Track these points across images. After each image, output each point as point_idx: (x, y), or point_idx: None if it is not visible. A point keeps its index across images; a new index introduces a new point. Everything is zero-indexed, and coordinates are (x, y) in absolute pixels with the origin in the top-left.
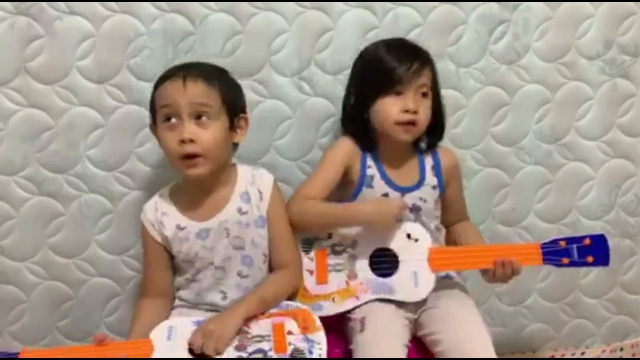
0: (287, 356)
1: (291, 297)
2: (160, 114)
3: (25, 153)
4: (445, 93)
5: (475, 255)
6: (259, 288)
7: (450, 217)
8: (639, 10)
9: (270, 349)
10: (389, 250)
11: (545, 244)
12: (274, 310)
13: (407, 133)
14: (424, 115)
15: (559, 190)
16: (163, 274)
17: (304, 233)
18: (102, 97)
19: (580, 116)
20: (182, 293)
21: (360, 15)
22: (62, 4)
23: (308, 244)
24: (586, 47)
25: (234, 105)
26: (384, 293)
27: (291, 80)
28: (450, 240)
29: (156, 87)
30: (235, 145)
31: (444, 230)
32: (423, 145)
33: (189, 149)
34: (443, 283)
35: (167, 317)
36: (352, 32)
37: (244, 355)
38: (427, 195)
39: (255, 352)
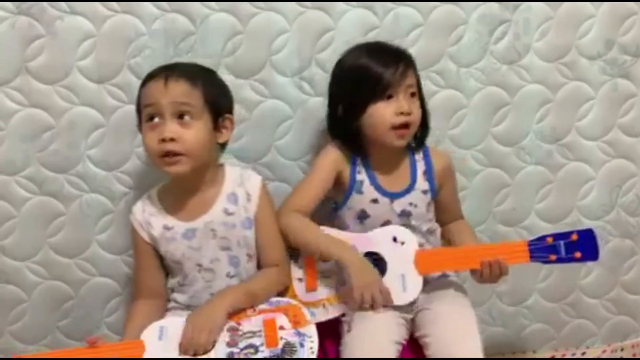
0: (279, 350)
1: None
2: (144, 114)
3: (26, 153)
4: (446, 93)
5: (462, 256)
6: (246, 281)
7: (445, 216)
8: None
9: (262, 344)
10: (376, 254)
11: (532, 241)
12: (265, 307)
13: (401, 138)
14: (416, 115)
15: (559, 191)
16: (154, 274)
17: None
18: (102, 97)
19: (581, 116)
20: (176, 296)
21: (361, 15)
22: (63, 4)
23: (297, 251)
24: (587, 47)
25: (217, 105)
26: None
27: (292, 80)
28: (445, 240)
29: (141, 87)
30: (223, 146)
31: (439, 230)
32: (412, 144)
33: (169, 147)
34: (439, 283)
35: (160, 318)
36: (353, 32)
37: (236, 351)
38: (417, 200)
39: (246, 347)
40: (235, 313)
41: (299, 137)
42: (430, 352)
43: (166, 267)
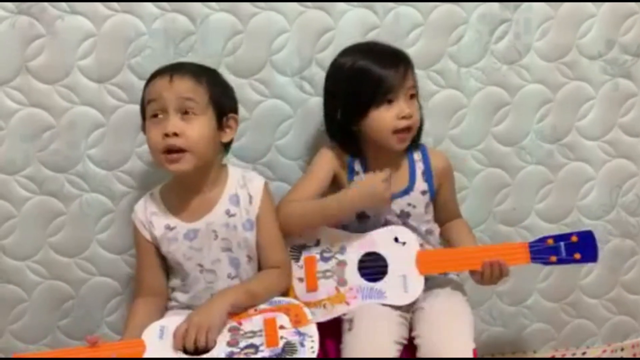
0: (279, 349)
1: None
2: (148, 110)
3: (26, 152)
4: (446, 93)
5: (463, 256)
6: (246, 280)
7: (443, 216)
8: None
9: (262, 344)
10: (377, 254)
11: (533, 242)
12: (265, 307)
13: (402, 142)
14: (416, 117)
15: (560, 190)
16: (156, 273)
17: (292, 239)
18: (103, 97)
19: (581, 116)
20: (177, 295)
21: (361, 14)
22: (63, 4)
23: (297, 251)
24: (587, 47)
25: (221, 104)
26: (374, 298)
27: (292, 80)
28: (444, 239)
29: (146, 85)
30: (227, 146)
31: (437, 231)
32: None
33: (172, 141)
34: (437, 281)
35: (161, 317)
36: (353, 31)
37: (236, 350)
38: (416, 201)
39: (247, 347)
40: (236, 313)
41: (299, 137)
42: (421, 351)
43: (167, 266)
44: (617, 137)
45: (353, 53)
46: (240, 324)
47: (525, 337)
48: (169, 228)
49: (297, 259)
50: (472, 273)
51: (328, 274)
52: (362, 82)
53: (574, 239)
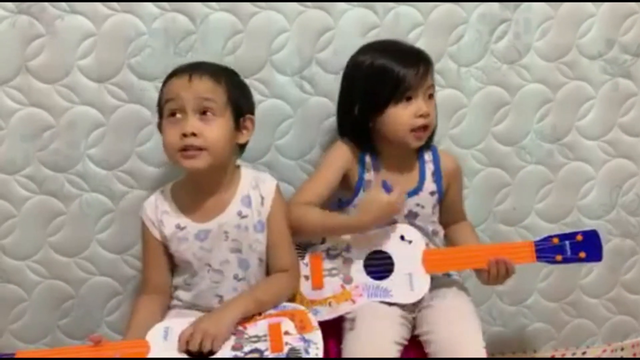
0: (284, 355)
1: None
2: (165, 109)
3: (26, 152)
4: (446, 92)
5: (469, 255)
6: (256, 288)
7: (449, 218)
8: None
9: (267, 349)
10: (383, 252)
11: (538, 241)
12: (271, 311)
13: (419, 140)
14: (433, 116)
15: (560, 190)
16: (162, 271)
17: (297, 238)
18: (103, 96)
19: (581, 116)
20: (180, 293)
21: (361, 14)
22: (63, 3)
23: (302, 249)
24: (587, 47)
25: (239, 105)
26: (380, 296)
27: (292, 80)
28: (448, 241)
29: (164, 84)
30: (242, 147)
31: (442, 232)
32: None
33: (190, 141)
34: (441, 281)
35: (163, 315)
36: (353, 31)
37: (240, 355)
38: (424, 201)
39: (251, 351)
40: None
41: (300, 137)
42: (431, 350)
43: (173, 264)
44: (617, 136)
45: (373, 51)
46: (245, 328)
47: (525, 336)
48: (179, 227)
49: (303, 257)
50: (479, 273)
51: (334, 271)
52: (382, 79)
53: (579, 238)
